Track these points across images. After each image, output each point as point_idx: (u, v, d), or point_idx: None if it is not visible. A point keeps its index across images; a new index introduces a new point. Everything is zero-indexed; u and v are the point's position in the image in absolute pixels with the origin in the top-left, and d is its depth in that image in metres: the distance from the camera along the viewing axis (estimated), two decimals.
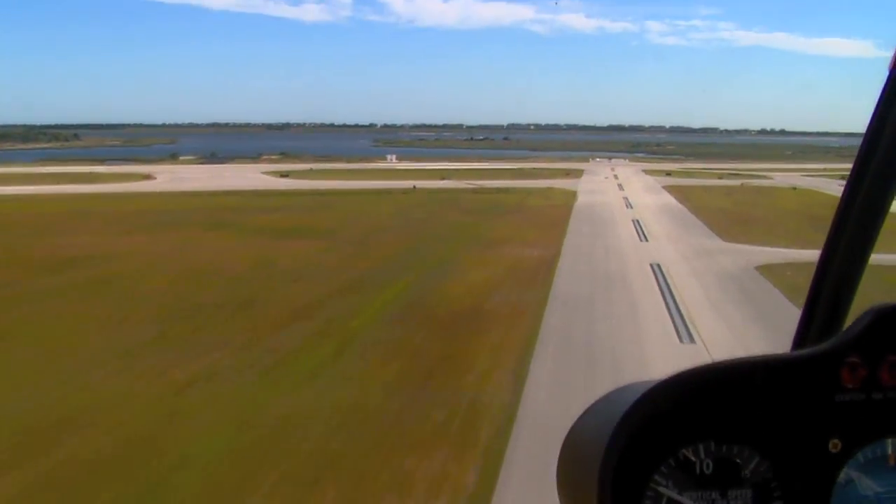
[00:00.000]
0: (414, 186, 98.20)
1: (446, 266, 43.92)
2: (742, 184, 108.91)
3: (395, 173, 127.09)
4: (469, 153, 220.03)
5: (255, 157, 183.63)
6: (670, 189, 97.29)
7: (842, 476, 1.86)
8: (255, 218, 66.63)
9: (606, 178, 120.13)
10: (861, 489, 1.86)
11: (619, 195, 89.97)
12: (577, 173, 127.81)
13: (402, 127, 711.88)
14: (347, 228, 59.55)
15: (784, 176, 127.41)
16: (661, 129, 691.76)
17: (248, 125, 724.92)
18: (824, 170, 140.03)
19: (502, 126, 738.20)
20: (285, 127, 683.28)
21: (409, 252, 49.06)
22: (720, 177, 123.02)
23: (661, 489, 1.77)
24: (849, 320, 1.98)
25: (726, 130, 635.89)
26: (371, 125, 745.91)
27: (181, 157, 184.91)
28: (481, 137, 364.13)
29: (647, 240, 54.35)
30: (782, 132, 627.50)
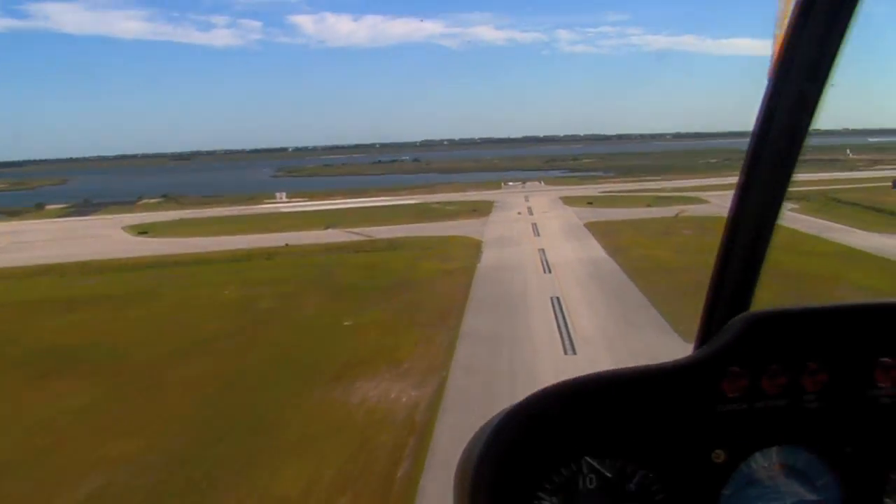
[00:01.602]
0: (286, 244, 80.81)
1: (254, 442, 27.06)
2: (678, 214, 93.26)
3: (275, 220, 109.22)
4: (372, 182, 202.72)
5: (131, 203, 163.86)
6: (595, 230, 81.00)
7: (728, 487, 1.86)
8: (44, 324, 49.00)
9: (520, 214, 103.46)
10: (749, 500, 1.87)
11: (534, 245, 73.15)
12: (486, 209, 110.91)
13: (313, 150, 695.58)
14: (146, 348, 41.56)
15: (720, 197, 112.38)
16: (575, 137, 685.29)
17: (157, 155, 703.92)
18: None
19: (416, 143, 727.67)
20: (193, 156, 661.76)
21: (205, 405, 31.59)
22: (649, 204, 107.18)
23: (547, 502, 1.74)
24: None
25: (641, 136, 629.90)
26: (283, 149, 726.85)
27: (47, 207, 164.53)
28: (389, 160, 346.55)
29: (573, 350, 37.21)
30: (697, 135, 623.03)
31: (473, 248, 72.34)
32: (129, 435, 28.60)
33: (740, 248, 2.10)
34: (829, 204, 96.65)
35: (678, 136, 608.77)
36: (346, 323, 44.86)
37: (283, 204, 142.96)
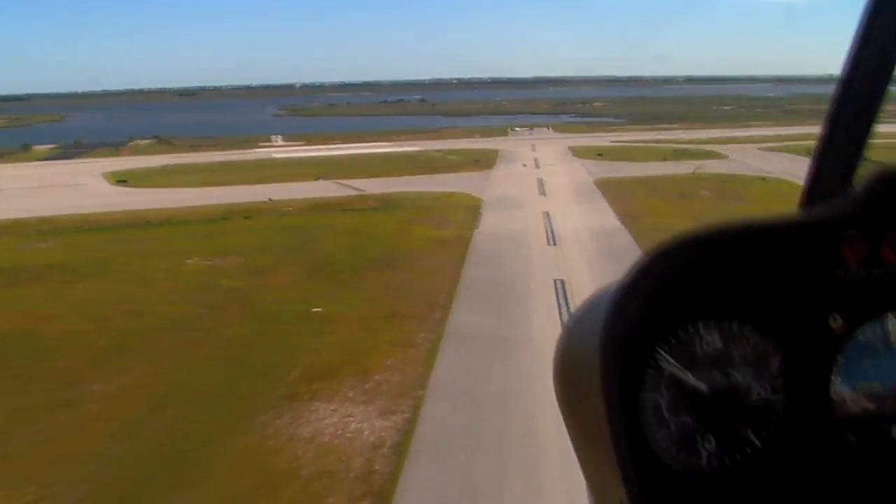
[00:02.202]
0: (270, 199, 74.45)
1: None
2: (695, 171, 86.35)
3: (264, 169, 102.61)
4: (375, 124, 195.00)
5: (121, 145, 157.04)
6: (606, 189, 74.56)
7: (844, 355, 1.85)
8: None
9: (525, 166, 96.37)
10: (863, 368, 1.85)
11: (539, 208, 66.61)
12: (490, 159, 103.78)
13: (321, 87, 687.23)
14: (76, 343, 35.21)
15: (739, 151, 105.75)
16: (586, 80, 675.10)
17: (163, 91, 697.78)
18: (778, 137, 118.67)
19: (425, 82, 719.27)
20: (199, 92, 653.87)
21: (115, 442, 25.68)
22: (664, 158, 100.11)
23: (664, 364, 1.77)
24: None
25: (653, 79, 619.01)
26: (290, 86, 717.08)
27: (34, 149, 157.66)
28: (395, 100, 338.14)
29: None
30: (708, 79, 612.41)
31: (472, 210, 65.92)
32: None
33: (856, 93, 1.91)
34: None
35: (690, 80, 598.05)
36: (315, 310, 38.66)
37: (277, 149, 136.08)
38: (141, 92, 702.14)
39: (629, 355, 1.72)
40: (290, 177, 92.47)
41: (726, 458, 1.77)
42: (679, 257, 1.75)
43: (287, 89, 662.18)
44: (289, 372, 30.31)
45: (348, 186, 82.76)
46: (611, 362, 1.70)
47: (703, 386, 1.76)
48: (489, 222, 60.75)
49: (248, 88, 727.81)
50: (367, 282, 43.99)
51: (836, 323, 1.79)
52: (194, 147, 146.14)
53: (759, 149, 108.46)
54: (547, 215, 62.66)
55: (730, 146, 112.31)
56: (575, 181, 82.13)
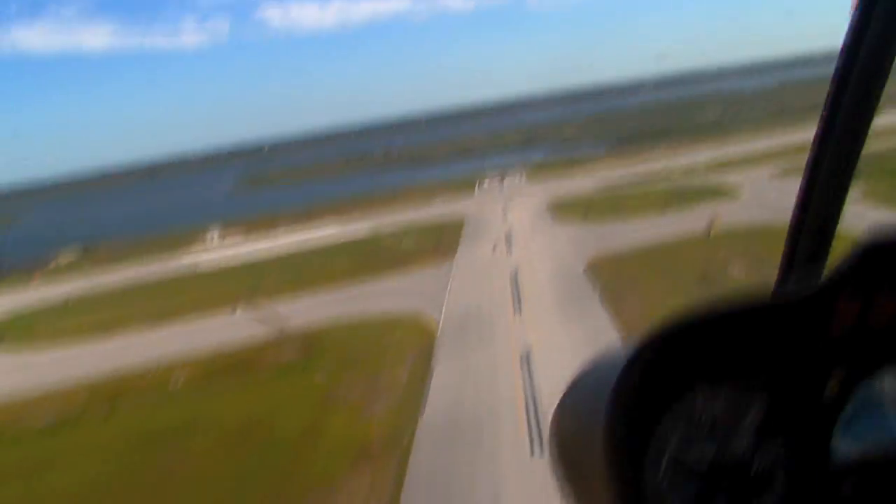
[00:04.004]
0: (157, 366, 55.35)
1: None
2: (710, 229, 67.02)
3: (182, 291, 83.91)
4: (332, 190, 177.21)
5: (41, 264, 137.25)
6: (602, 280, 56.48)
7: (843, 415, 1.87)
8: None
9: (495, 248, 76.61)
10: (862, 427, 1.87)
11: (514, 341, 47.07)
12: (453, 239, 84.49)
13: (289, 144, 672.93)
14: None
15: (751, 181, 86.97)
16: (552, 97, 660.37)
17: (130, 166, 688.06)
18: (784, 151, 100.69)
19: (392, 122, 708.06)
20: (162, 168, 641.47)
21: None
22: (664, 206, 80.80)
23: (666, 436, 1.79)
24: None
25: (620, 90, 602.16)
26: (258, 147, 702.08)
27: None
28: (359, 153, 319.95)
29: None
30: (681, 79, 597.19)
31: (421, 360, 46.66)
32: None
33: (827, 171, 2.07)
34: None
35: (660, 84, 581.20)
36: None
37: (210, 251, 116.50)
38: (97, 175, 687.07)
39: (631, 433, 1.72)
40: (205, 304, 73.83)
41: None
42: (676, 334, 1.76)
43: (254, 151, 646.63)
44: None
45: (270, 319, 63.52)
46: (614, 441, 1.69)
47: (703, 456, 1.78)
48: (442, 385, 41.41)
49: (216, 153, 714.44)
50: None
51: (832, 385, 1.84)
52: (118, 258, 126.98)
53: (771, 175, 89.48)
54: (526, 359, 43.23)
55: (736, 175, 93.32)
56: (559, 270, 62.72)
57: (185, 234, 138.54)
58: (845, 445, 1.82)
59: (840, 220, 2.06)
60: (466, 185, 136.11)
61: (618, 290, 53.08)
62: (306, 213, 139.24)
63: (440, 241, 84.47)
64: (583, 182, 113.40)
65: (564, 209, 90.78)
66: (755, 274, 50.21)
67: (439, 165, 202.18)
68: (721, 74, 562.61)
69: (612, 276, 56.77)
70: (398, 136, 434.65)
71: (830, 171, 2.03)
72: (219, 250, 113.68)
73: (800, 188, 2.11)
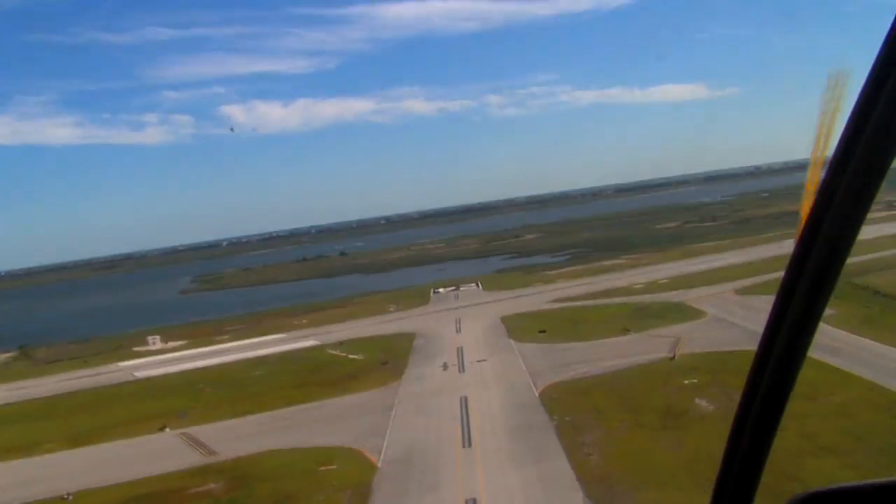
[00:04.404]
0: (69, 497, 49.71)
1: None
2: (674, 352, 62.94)
3: (113, 404, 78.43)
4: (283, 295, 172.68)
5: None
6: (558, 412, 52.65)
7: None
8: None
9: (445, 368, 71.76)
10: None
11: (461, 491, 41.86)
12: (402, 357, 79.50)
13: (247, 243, 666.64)
14: None
15: (715, 299, 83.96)
16: (514, 202, 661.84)
17: (92, 260, 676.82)
18: (747, 268, 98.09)
19: (352, 224, 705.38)
20: (121, 262, 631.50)
21: None
22: (625, 328, 76.54)
23: None
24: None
25: (582, 195, 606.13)
26: (216, 244, 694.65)
27: None
28: (315, 255, 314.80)
29: None
30: (640, 186, 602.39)
31: (357, 495, 41.61)
32: None
33: (754, 419, 2.19)
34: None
35: (620, 191, 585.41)
36: None
37: (151, 359, 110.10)
38: (59, 267, 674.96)
39: None
40: (134, 421, 68.80)
41: None
42: None
43: (213, 248, 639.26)
44: None
45: (196, 446, 58.03)
46: None
47: None
48: None
49: (174, 251, 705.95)
50: None
51: None
52: (55, 361, 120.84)
53: (736, 291, 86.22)
54: None
55: (700, 291, 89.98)
56: (513, 395, 58.15)
57: (129, 337, 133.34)
58: None
59: (767, 459, 2.11)
60: (421, 294, 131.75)
61: (576, 423, 48.71)
62: (256, 319, 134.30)
63: (389, 356, 79.77)
64: (540, 294, 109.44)
65: (520, 326, 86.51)
66: (723, 406, 46.05)
67: (396, 270, 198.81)
68: (680, 182, 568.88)
69: (570, 406, 52.44)
70: (358, 239, 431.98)
71: (761, 408, 2.10)
72: (159, 358, 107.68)
73: (730, 431, 2.18)
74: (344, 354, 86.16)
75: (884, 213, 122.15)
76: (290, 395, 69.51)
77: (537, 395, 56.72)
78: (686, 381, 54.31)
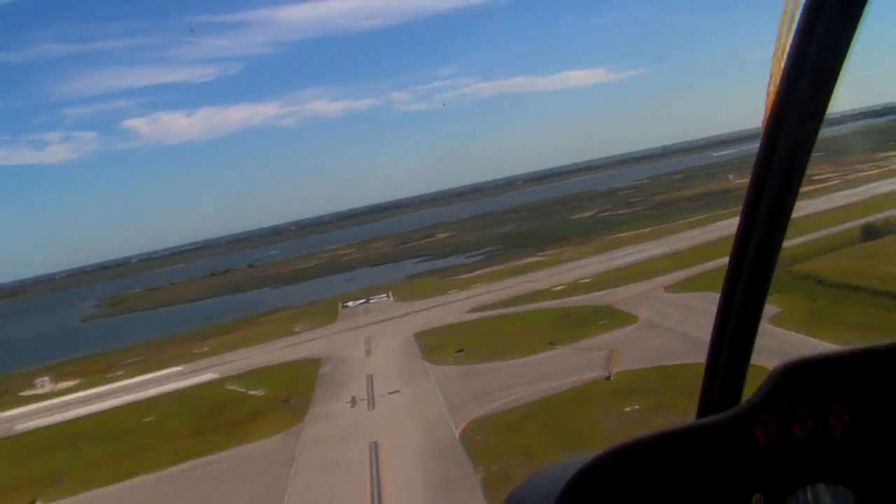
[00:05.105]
0: None
1: None
2: (610, 371, 55.55)
3: None
4: (188, 316, 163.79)
5: None
6: (485, 461, 44.82)
7: None
8: None
9: (353, 404, 63.25)
10: None
11: None
12: (306, 390, 70.94)
13: (158, 258, 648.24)
14: None
15: (646, 300, 76.80)
16: (424, 198, 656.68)
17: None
18: (674, 261, 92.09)
19: (266, 231, 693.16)
20: (24, 289, 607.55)
21: None
22: (551, 341, 68.98)
23: None
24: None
25: (493, 187, 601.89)
26: (126, 260, 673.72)
27: None
28: (223, 270, 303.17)
29: None
30: (550, 173, 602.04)
31: None
32: None
33: (738, 308, 2.22)
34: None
35: (531, 180, 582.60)
36: None
37: (32, 408, 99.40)
38: None
39: None
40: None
41: None
42: (605, 472, 1.84)
43: (123, 265, 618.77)
44: None
45: None
46: None
47: None
48: None
49: (83, 271, 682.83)
50: None
51: (757, 501, 1.91)
52: None
53: (666, 289, 79.69)
54: None
55: (627, 290, 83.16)
56: (430, 440, 50.44)
57: (18, 377, 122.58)
58: None
59: (754, 343, 2.20)
60: (329, 309, 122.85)
61: (506, 473, 41.15)
62: (156, 348, 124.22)
63: (292, 390, 71.40)
64: (457, 303, 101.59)
65: (436, 340, 78.73)
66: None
67: (305, 282, 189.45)
68: (591, 168, 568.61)
69: (497, 450, 44.96)
70: (271, 246, 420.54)
71: (741, 308, 2.13)
72: (46, 404, 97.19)
73: (715, 317, 2.20)
74: (243, 390, 77.30)
75: (812, 188, 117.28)
76: (181, 448, 60.82)
77: (458, 435, 49.00)
78: (627, 409, 47.13)
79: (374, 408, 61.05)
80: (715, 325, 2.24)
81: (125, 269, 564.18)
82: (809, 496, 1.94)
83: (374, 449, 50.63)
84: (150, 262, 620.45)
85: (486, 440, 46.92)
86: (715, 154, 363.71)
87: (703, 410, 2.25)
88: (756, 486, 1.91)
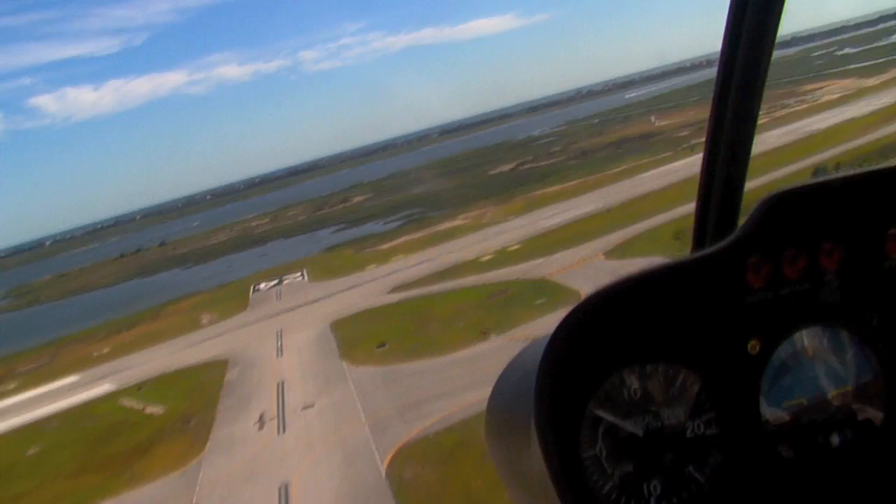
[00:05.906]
0: None
1: None
2: None
3: None
4: (93, 308, 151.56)
5: None
6: None
7: (765, 378, 1.95)
8: None
9: (261, 425, 54.19)
10: (787, 385, 1.97)
11: None
12: (209, 404, 61.76)
13: (71, 238, 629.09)
14: None
15: (583, 269, 68.60)
16: (341, 157, 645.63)
17: None
18: (608, 216, 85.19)
19: (180, 202, 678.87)
20: None
21: None
22: (484, 330, 61.09)
23: (599, 413, 1.81)
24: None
25: (408, 141, 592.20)
26: (39, 243, 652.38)
27: None
28: (134, 250, 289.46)
29: None
30: (461, 126, 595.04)
31: None
32: None
33: (728, 136, 2.13)
34: None
35: (445, 133, 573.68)
36: None
37: None
38: None
39: (563, 412, 1.76)
40: None
41: (674, 499, 1.82)
42: (595, 311, 1.80)
43: (37, 248, 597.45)
44: None
45: None
46: (547, 421, 1.73)
47: (638, 430, 1.82)
48: None
49: None
50: None
51: (753, 347, 1.91)
52: None
53: (606, 255, 72.14)
54: None
55: (562, 257, 75.44)
56: (351, 480, 41.38)
57: None
58: (775, 406, 1.91)
59: (745, 177, 2.15)
60: (240, 293, 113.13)
61: None
62: (55, 349, 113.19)
63: (195, 404, 62.49)
64: (377, 280, 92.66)
65: (355, 331, 70.05)
66: None
67: (217, 259, 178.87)
68: (507, 117, 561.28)
69: (432, 495, 36.43)
70: (183, 219, 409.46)
71: (730, 139, 2.10)
72: None
73: (703, 159, 2.17)
74: (140, 408, 67.76)
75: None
76: (60, 495, 51.60)
77: (384, 472, 40.48)
78: None
79: (284, 431, 51.96)
80: (704, 156, 2.16)
81: (38, 252, 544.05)
82: (806, 339, 1.97)
83: (284, 494, 41.98)
84: (64, 243, 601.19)
85: (417, 478, 38.60)
86: (627, 95, 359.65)
87: (697, 244, 2.18)
88: (750, 331, 1.91)
